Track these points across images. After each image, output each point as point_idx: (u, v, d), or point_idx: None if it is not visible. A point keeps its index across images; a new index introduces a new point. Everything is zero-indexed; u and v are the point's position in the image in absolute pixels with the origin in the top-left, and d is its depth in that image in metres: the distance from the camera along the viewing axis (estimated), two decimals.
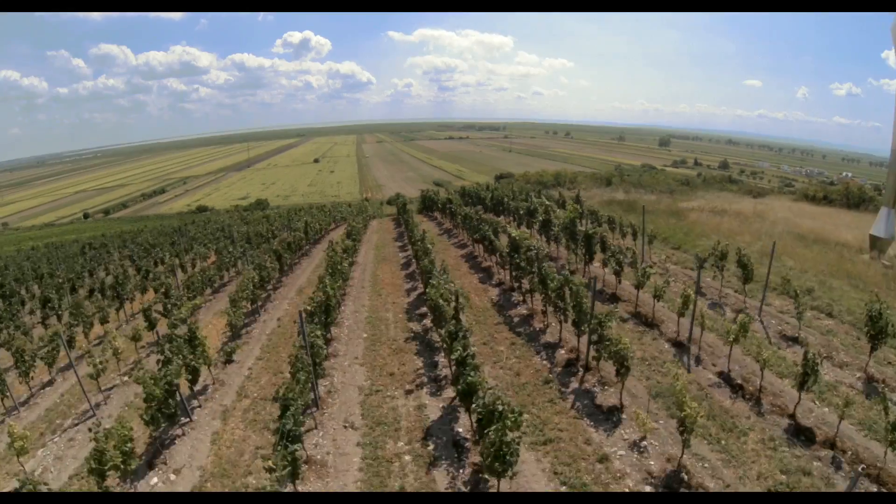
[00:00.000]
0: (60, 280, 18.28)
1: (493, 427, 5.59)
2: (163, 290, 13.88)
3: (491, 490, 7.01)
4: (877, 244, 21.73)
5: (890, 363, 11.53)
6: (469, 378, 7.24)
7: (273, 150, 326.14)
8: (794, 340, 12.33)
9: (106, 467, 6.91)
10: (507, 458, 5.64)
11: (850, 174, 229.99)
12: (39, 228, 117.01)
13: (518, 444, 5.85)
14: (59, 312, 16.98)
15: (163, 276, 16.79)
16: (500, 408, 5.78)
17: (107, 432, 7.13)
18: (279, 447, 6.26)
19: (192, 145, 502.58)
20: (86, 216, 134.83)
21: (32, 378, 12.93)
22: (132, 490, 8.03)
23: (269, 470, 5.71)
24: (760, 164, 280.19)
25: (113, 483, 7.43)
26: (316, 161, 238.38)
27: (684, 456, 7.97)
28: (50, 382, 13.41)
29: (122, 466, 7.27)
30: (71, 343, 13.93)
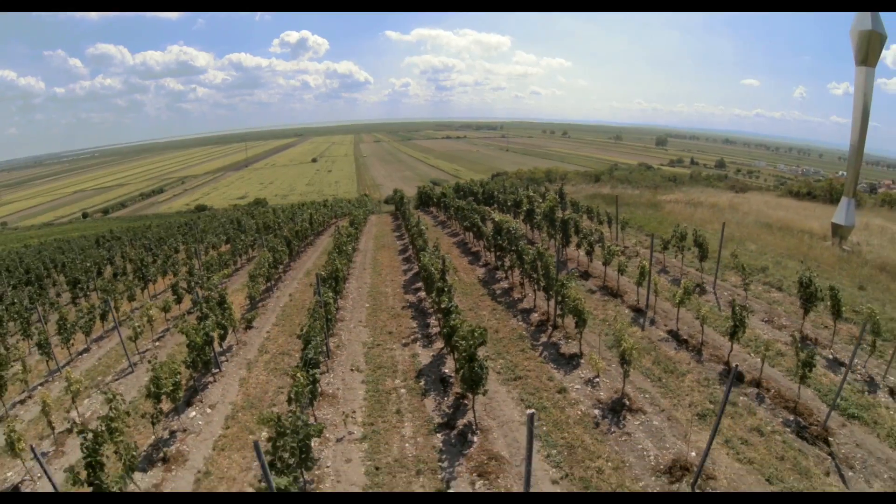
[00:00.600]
0: (88, 264, 20.04)
1: (465, 341, 7.40)
2: (186, 269, 15.64)
3: (467, 408, 8.84)
4: (838, 231, 23.57)
5: (826, 327, 13.39)
6: (452, 322, 9.05)
7: (271, 150, 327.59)
8: (742, 308, 14.21)
9: (161, 391, 8.70)
10: (477, 370, 7.44)
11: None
12: (38, 228, 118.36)
13: (486, 361, 7.66)
14: (88, 293, 18.72)
15: (182, 261, 18.52)
16: (471, 328, 7.60)
17: (161, 364, 8.92)
18: (302, 371, 8.05)
19: (189, 145, 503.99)
20: (84, 216, 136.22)
21: (73, 345, 14.68)
22: (176, 422, 9.82)
23: (294, 377, 7.46)
24: (757, 163, 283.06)
25: (165, 406, 9.23)
26: (314, 160, 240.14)
27: (629, 388, 9.82)
28: (86, 350, 15.17)
29: (171, 394, 9.08)
30: (104, 316, 15.69)
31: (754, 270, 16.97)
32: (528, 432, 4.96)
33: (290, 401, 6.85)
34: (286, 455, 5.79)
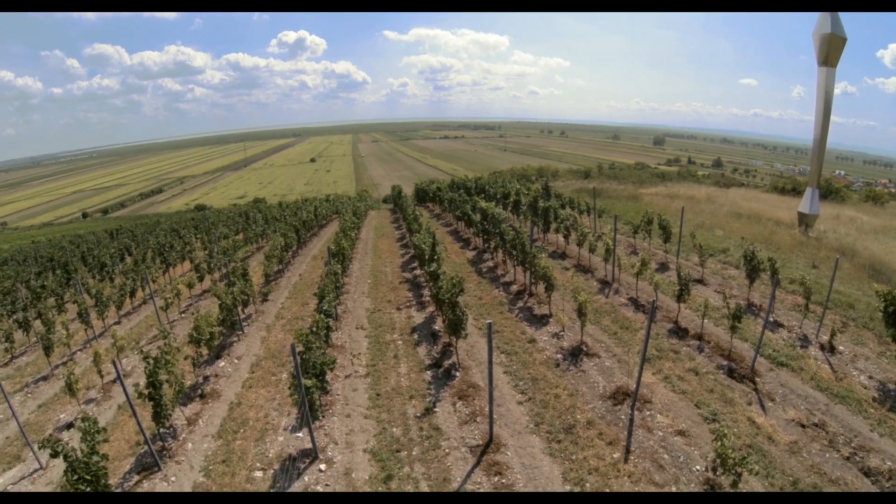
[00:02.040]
0: (112, 251, 21.86)
1: (447, 286, 9.31)
2: (206, 252, 17.51)
3: (452, 352, 10.77)
4: (804, 219, 25.50)
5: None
6: (440, 284, 10.97)
7: (269, 150, 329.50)
8: (698, 281, 16.19)
9: (202, 337, 10.60)
10: (459, 314, 9.36)
11: (843, 172, 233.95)
12: (39, 228, 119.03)
13: (467, 307, 9.58)
14: (114, 276, 20.58)
15: (200, 247, 20.38)
16: (451, 278, 9.52)
17: (200, 317, 10.82)
18: (318, 316, 9.95)
19: (188, 145, 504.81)
20: (84, 216, 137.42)
21: (106, 317, 16.56)
22: (209, 369, 11.70)
23: (313, 318, 9.37)
24: (754, 162, 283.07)
25: (203, 352, 11.13)
26: (312, 160, 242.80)
27: (589, 339, 11.74)
28: (117, 322, 17.04)
29: (208, 342, 10.98)
30: (133, 293, 17.55)
31: (716, 251, 18.93)
32: (488, 338, 6.87)
33: (310, 332, 8.74)
34: (310, 366, 7.69)
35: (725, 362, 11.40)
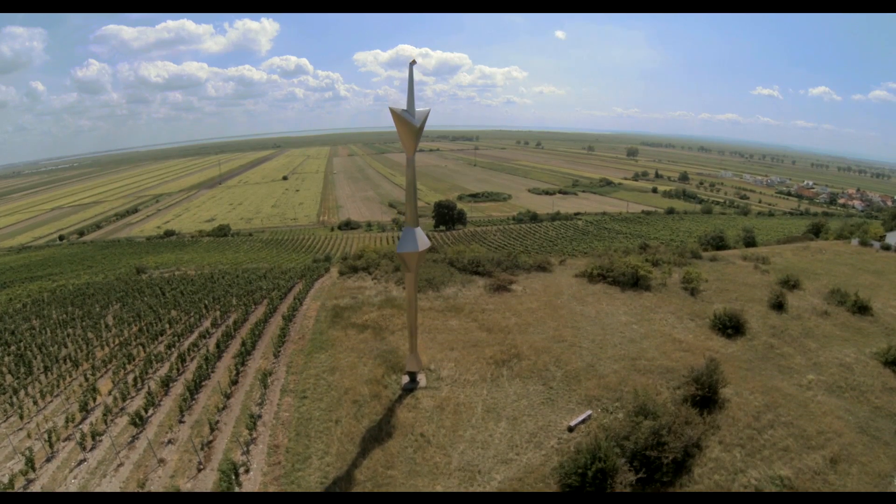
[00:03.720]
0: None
1: None
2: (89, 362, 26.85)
3: None
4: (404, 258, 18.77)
5: None
6: None
7: (247, 164, 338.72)
8: None
9: None
10: None
11: (811, 182, 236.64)
12: (17, 252, 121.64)
13: None
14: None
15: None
16: None
17: None
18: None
19: (169, 156, 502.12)
20: (61, 238, 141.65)
21: None
22: None
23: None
24: (723, 173, 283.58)
25: None
26: (284, 178, 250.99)
27: None
28: None
29: None
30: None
31: None
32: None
33: None
34: None
35: None
